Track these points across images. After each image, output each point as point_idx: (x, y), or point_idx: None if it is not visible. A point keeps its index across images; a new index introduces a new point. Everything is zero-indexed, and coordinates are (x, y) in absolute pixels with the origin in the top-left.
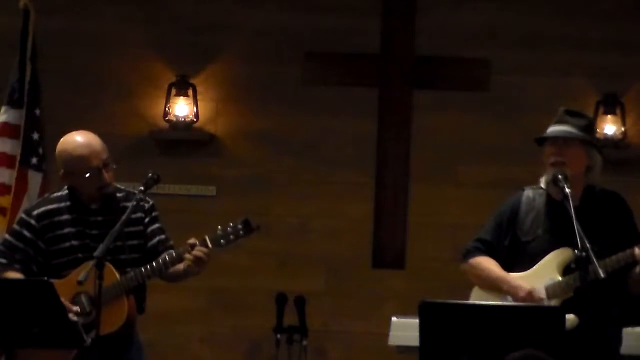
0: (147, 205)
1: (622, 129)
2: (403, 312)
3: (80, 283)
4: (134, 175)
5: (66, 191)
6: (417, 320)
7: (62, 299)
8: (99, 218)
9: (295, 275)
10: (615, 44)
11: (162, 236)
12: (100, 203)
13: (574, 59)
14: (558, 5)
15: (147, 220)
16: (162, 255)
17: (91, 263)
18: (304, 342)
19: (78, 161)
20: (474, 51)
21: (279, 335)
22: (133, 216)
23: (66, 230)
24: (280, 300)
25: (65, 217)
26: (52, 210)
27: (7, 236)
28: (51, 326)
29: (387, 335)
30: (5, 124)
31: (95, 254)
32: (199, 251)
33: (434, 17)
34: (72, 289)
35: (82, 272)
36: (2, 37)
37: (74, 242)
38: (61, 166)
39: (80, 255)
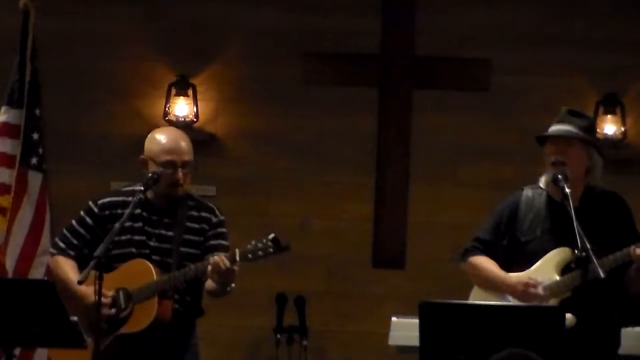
0: (214, 220)
1: (622, 129)
2: (403, 312)
3: (80, 283)
4: (134, 175)
5: (139, 187)
6: (417, 320)
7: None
8: (165, 220)
9: (295, 275)
10: (615, 44)
11: (222, 254)
12: (168, 204)
13: (574, 59)
14: (558, 5)
15: (210, 233)
16: (197, 263)
17: (90, 263)
18: (304, 342)
19: (160, 150)
20: (474, 51)
21: (279, 335)
22: (196, 225)
23: (128, 223)
24: (280, 300)
25: (130, 210)
26: (117, 202)
27: (73, 221)
28: (52, 326)
29: (387, 335)
30: (5, 124)
31: (96, 253)
32: (221, 262)
33: (434, 17)
34: (114, 283)
35: (140, 269)
36: (2, 37)
37: (131, 237)
38: (145, 150)
39: (134, 250)
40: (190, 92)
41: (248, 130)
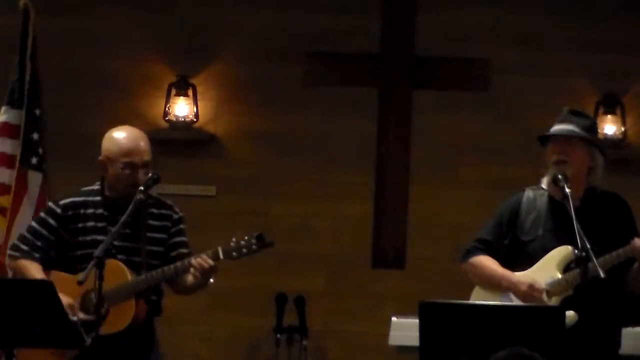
0: (175, 216)
1: (622, 129)
2: (403, 312)
3: (80, 283)
4: None
5: (98, 187)
6: (417, 320)
7: (64, 296)
8: (128, 219)
9: (295, 275)
10: (615, 44)
11: (184, 250)
12: (128, 203)
13: (574, 59)
14: (558, 5)
15: (172, 230)
16: (175, 263)
17: (90, 263)
18: (304, 342)
19: (120, 151)
20: (474, 51)
21: (279, 335)
22: (158, 223)
23: (90, 224)
24: (280, 300)
25: (91, 210)
26: (79, 202)
27: (33, 223)
28: (51, 326)
29: (387, 335)
30: (5, 124)
31: (95, 253)
32: (204, 262)
33: (434, 17)
34: (85, 285)
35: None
36: (2, 37)
37: (96, 237)
38: (103, 150)
39: None
40: (190, 92)
41: (248, 130)
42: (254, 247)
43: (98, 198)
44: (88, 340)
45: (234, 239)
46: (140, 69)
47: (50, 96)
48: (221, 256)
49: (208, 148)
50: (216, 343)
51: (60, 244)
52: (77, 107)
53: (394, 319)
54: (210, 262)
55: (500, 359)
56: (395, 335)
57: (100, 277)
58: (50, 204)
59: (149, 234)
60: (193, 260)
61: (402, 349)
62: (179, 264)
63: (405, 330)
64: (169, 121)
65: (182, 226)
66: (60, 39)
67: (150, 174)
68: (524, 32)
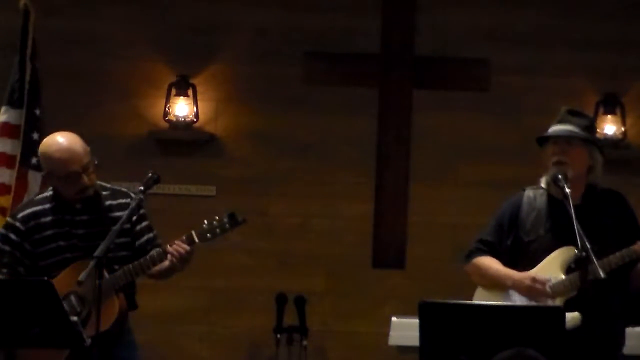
0: (134, 203)
1: (622, 129)
2: (403, 312)
3: (80, 284)
4: (134, 175)
5: (51, 192)
6: (417, 320)
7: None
8: (84, 217)
9: (295, 275)
10: (615, 44)
11: (151, 235)
12: (84, 203)
13: (574, 59)
14: (558, 6)
15: (135, 218)
16: (150, 253)
17: (90, 263)
18: (304, 342)
19: (57, 164)
20: (474, 51)
21: (279, 335)
22: (119, 214)
23: (52, 231)
24: (280, 300)
25: (50, 218)
26: (37, 212)
27: None
28: (51, 326)
29: (387, 335)
30: (5, 124)
31: (96, 253)
32: (181, 248)
33: (434, 17)
34: (62, 289)
35: (82, 272)
36: (2, 37)
37: (61, 243)
38: (43, 166)
39: (68, 255)
40: (190, 92)
41: (248, 130)
42: (226, 226)
43: (54, 204)
44: (88, 340)
45: (205, 221)
46: (140, 69)
47: (50, 96)
48: (196, 240)
49: (208, 148)
50: (216, 343)
51: (26, 257)
52: (77, 107)
53: (394, 319)
54: (186, 247)
55: (505, 359)
56: (395, 335)
57: (100, 277)
58: (8, 219)
59: (114, 227)
60: (169, 247)
61: (402, 349)
62: (154, 253)
63: (405, 330)
64: (169, 121)
65: (142, 211)
66: (60, 39)
67: (150, 174)
68: (524, 32)
